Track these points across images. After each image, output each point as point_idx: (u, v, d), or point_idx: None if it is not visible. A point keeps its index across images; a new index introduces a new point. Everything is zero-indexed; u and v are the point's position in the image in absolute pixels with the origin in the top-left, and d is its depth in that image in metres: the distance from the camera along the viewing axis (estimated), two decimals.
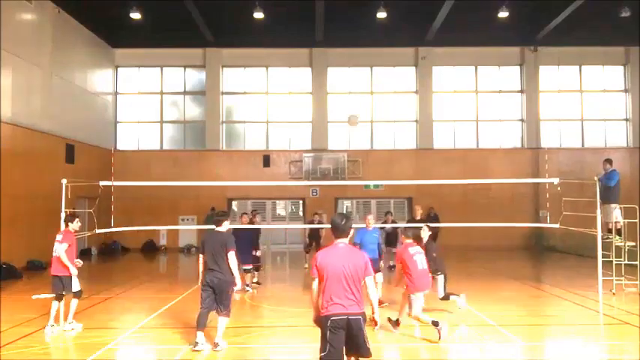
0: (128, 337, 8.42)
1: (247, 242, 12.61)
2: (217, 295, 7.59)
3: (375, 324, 5.08)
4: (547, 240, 22.99)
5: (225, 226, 8.00)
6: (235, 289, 7.76)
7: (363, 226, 10.69)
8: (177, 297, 11.68)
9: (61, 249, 8.87)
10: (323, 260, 5.10)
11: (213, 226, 8.11)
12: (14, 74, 16.56)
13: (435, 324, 7.91)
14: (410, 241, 8.69)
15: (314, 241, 17.61)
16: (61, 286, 8.88)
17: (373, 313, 5.24)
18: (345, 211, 24.57)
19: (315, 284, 5.16)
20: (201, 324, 7.57)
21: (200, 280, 7.80)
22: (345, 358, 5.05)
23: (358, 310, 4.98)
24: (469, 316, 9.74)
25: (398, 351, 7.97)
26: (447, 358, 7.83)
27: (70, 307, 8.97)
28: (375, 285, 5.28)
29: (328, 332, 4.94)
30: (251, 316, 10.20)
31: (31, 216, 16.70)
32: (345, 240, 5.22)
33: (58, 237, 9.09)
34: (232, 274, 7.65)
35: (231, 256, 7.60)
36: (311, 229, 17.79)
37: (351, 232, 5.36)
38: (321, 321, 5.03)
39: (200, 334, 7.54)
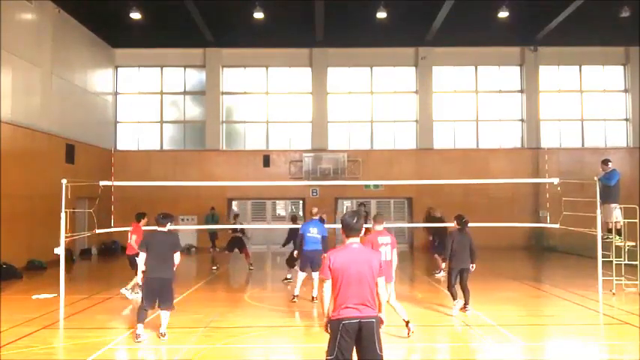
0: (128, 337, 8.42)
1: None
2: (160, 292, 8.10)
3: (382, 323, 5.08)
4: (547, 240, 22.98)
5: (168, 227, 8.42)
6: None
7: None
8: (177, 297, 11.65)
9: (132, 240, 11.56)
10: (337, 261, 4.92)
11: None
12: (14, 74, 16.54)
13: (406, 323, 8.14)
14: (381, 228, 8.56)
15: None
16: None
17: (380, 312, 5.12)
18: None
19: (327, 286, 4.97)
20: (142, 318, 8.11)
21: (143, 279, 8.28)
22: None
23: (372, 314, 4.86)
24: (469, 316, 9.74)
25: (397, 351, 7.96)
26: (447, 358, 7.84)
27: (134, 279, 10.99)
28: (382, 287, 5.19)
29: (339, 337, 4.81)
30: (251, 316, 10.19)
31: (31, 216, 16.69)
32: (358, 239, 5.07)
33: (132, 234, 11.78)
34: (173, 272, 8.27)
35: (177, 256, 8.20)
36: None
37: (363, 230, 5.18)
38: (332, 324, 4.89)
39: (141, 327, 8.07)
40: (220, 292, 13.14)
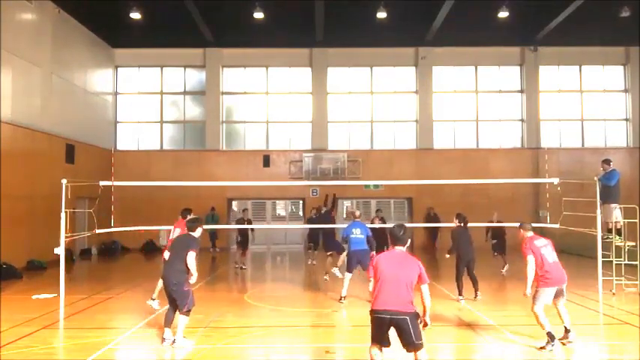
0: (128, 337, 8.42)
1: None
2: (174, 294, 7.80)
3: (425, 325, 5.76)
4: None
5: (199, 232, 8.14)
6: (191, 280, 7.90)
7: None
8: None
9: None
10: (379, 262, 5.76)
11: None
12: (14, 74, 16.54)
13: (550, 337, 7.45)
14: (532, 233, 8.06)
15: (312, 242, 17.59)
16: None
17: (424, 315, 5.78)
18: (344, 213, 24.53)
19: (371, 284, 5.83)
20: (166, 322, 7.93)
21: None
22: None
23: (404, 310, 5.49)
24: (469, 316, 9.75)
25: (397, 351, 7.96)
26: (448, 358, 7.84)
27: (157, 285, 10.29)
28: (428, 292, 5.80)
29: (373, 325, 5.67)
30: (251, 316, 10.19)
31: (31, 216, 16.69)
32: (402, 248, 5.81)
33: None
34: (184, 274, 7.77)
35: (190, 256, 7.71)
36: (310, 231, 17.80)
37: (409, 241, 5.90)
38: (370, 314, 5.68)
39: (167, 331, 7.88)
40: (220, 292, 13.14)
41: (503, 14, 21.33)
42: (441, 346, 8.07)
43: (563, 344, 7.67)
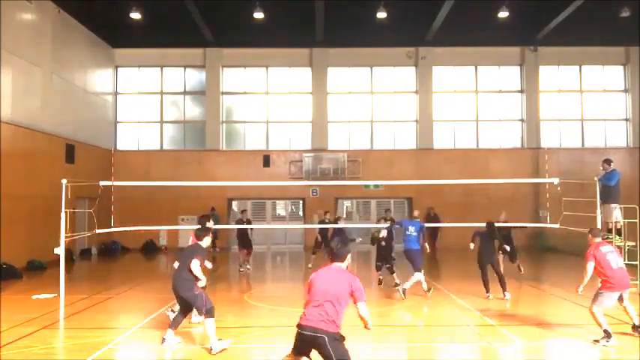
0: (128, 337, 8.43)
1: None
2: (186, 300, 7.79)
3: (367, 327, 5.60)
4: (547, 240, 22.96)
5: (207, 241, 8.14)
6: (199, 284, 7.88)
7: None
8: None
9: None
10: (313, 276, 5.60)
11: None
12: (14, 74, 16.53)
13: (607, 335, 7.81)
14: (600, 239, 8.40)
15: (324, 241, 17.53)
16: None
17: (366, 325, 5.57)
18: (344, 213, 24.56)
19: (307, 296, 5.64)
20: (172, 324, 7.94)
21: None
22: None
23: (325, 328, 5.24)
24: (469, 316, 9.75)
25: (397, 351, 7.96)
26: (448, 358, 7.84)
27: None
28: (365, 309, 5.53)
29: (295, 339, 5.44)
30: (251, 316, 10.20)
31: (31, 216, 16.69)
32: (340, 264, 5.62)
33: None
34: (191, 281, 7.77)
35: (193, 264, 7.73)
36: (320, 230, 17.79)
37: (348, 257, 5.70)
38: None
39: (169, 331, 7.86)
40: (220, 292, 13.13)
41: (503, 14, 21.33)
42: (441, 346, 8.07)
43: (636, 336, 8.07)
